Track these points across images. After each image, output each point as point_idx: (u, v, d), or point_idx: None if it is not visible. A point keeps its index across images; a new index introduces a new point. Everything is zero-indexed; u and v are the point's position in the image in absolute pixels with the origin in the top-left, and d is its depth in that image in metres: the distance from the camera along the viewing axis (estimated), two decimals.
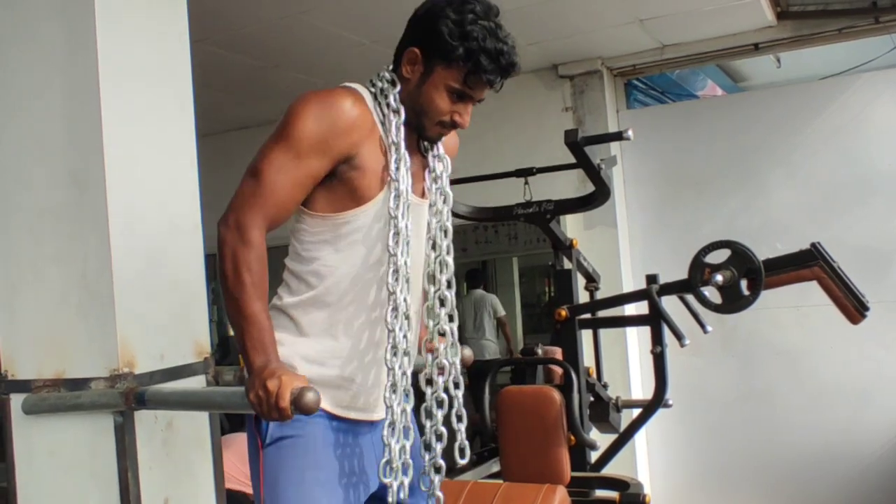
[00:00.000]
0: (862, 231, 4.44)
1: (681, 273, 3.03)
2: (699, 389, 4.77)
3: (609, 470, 3.29)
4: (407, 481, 1.60)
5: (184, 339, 2.03)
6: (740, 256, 2.89)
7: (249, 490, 3.31)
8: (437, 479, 1.69)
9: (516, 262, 9.51)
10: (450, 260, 1.72)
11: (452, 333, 1.71)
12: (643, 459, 4.93)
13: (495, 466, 3.37)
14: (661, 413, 3.22)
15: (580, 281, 3.65)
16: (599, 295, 3.76)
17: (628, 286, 4.78)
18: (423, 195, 1.73)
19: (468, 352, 1.90)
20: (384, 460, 1.59)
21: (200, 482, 2.03)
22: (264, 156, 1.58)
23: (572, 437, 3.02)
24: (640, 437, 4.74)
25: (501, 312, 7.60)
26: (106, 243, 1.84)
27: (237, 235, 1.53)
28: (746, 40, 4.75)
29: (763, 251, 2.95)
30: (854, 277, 2.91)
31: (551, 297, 8.59)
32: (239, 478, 3.16)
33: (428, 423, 1.68)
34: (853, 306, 2.89)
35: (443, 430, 1.68)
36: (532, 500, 2.69)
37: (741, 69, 5.96)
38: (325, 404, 1.60)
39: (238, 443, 3.46)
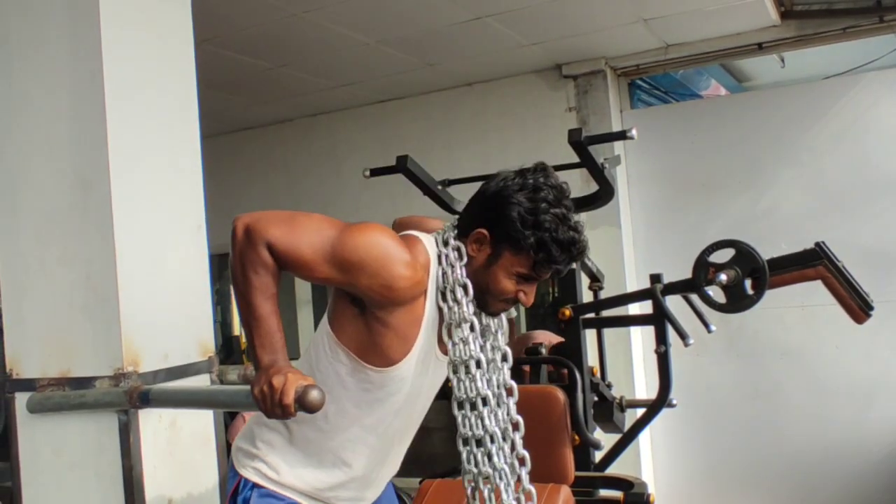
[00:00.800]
0: (867, 231, 4.43)
1: (685, 272, 3.03)
2: (703, 389, 4.76)
3: (613, 469, 3.28)
4: None
5: (188, 338, 2.04)
6: (744, 256, 2.89)
7: None
8: (523, 471, 1.74)
9: None
10: (520, 419, 1.76)
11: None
12: (647, 459, 4.92)
13: None
14: (665, 413, 3.21)
15: (584, 280, 3.65)
16: (603, 294, 3.76)
17: (632, 286, 4.78)
18: (445, 352, 1.69)
19: None
20: None
21: (204, 480, 2.03)
22: (320, 219, 1.55)
23: (576, 437, 3.01)
24: (645, 436, 4.74)
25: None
26: (111, 244, 1.85)
27: (248, 236, 1.52)
28: (750, 40, 4.74)
29: (768, 251, 2.95)
30: (860, 277, 2.91)
31: (555, 297, 8.60)
32: None
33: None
34: (858, 306, 2.89)
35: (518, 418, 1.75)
36: (536, 500, 2.68)
37: (745, 69, 5.95)
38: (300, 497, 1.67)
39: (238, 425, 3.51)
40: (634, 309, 4.09)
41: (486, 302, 1.64)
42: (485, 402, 1.62)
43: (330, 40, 4.30)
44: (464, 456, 1.65)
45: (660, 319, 3.10)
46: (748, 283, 2.90)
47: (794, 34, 4.66)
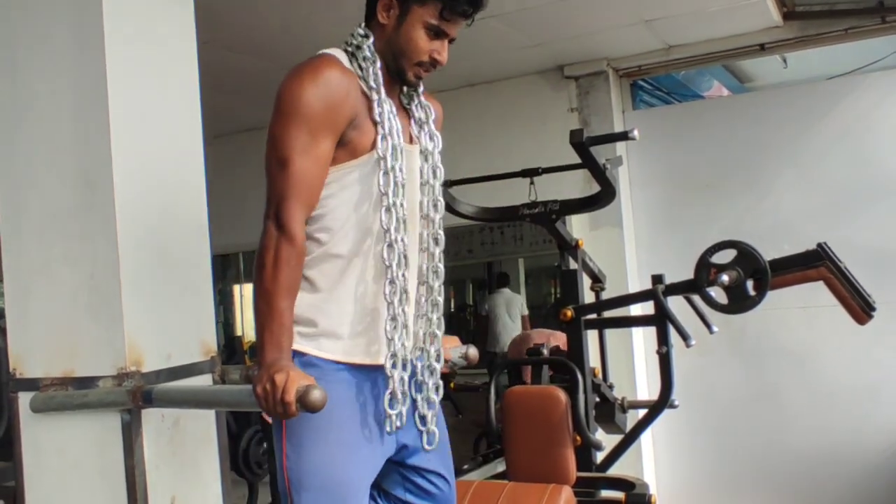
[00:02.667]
0: (869, 232, 4.43)
1: (686, 273, 3.03)
2: (705, 390, 4.76)
3: (615, 470, 3.29)
4: (405, 410, 1.69)
5: (191, 338, 2.04)
6: (746, 257, 2.89)
7: None
8: (430, 413, 1.76)
9: (522, 263, 9.52)
10: (442, 200, 1.80)
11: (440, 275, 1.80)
12: (649, 460, 4.92)
13: (500, 466, 3.36)
14: (666, 413, 3.21)
15: (586, 281, 3.65)
16: (605, 295, 3.77)
17: (634, 286, 4.78)
18: (411, 141, 1.78)
19: (473, 351, 1.92)
20: (388, 391, 1.66)
21: (207, 480, 2.04)
22: (283, 142, 1.61)
23: (578, 438, 3.02)
24: (646, 437, 4.74)
25: (525, 311, 8.06)
26: (114, 244, 1.86)
27: (282, 231, 1.58)
28: (753, 41, 4.75)
29: (770, 252, 2.95)
30: (862, 278, 2.91)
31: (557, 298, 8.61)
32: None
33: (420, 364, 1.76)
34: (859, 307, 2.89)
35: (436, 365, 1.77)
36: (537, 500, 2.69)
37: (747, 70, 5.95)
38: (341, 356, 1.66)
39: None
40: (636, 310, 4.10)
41: (403, 67, 1.71)
42: (386, 173, 1.66)
43: (333, 41, 4.30)
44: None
45: (661, 320, 3.11)
46: (750, 283, 2.90)
47: (797, 35, 4.67)
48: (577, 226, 4.78)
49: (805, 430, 4.60)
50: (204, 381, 2.05)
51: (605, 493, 3.18)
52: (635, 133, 3.17)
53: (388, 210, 1.65)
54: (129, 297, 1.86)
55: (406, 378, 1.70)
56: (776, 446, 4.67)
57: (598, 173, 3.24)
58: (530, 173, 3.70)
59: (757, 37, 4.72)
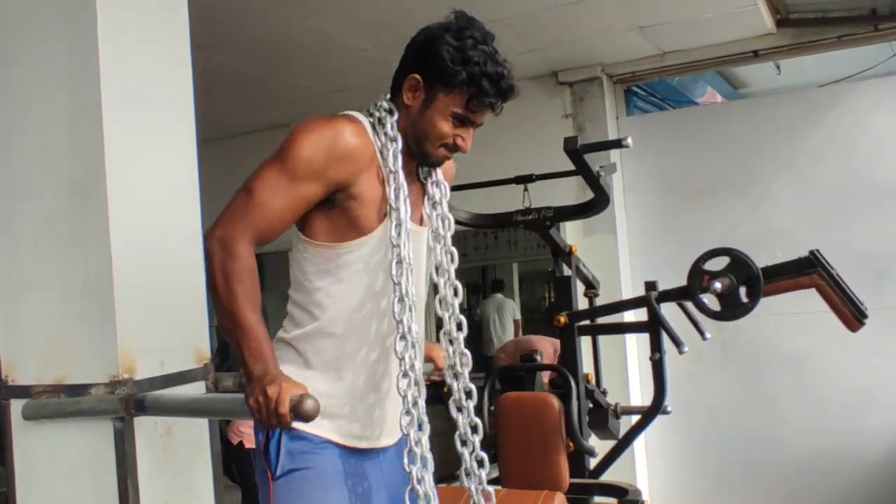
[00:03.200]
0: (862, 238, 4.45)
1: (680, 280, 3.04)
2: (698, 396, 4.77)
3: (608, 476, 3.29)
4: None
5: (184, 345, 2.03)
6: (739, 264, 2.90)
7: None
8: (482, 472, 1.73)
9: (516, 268, 9.52)
10: (459, 285, 1.74)
11: (468, 361, 1.74)
12: (642, 466, 4.93)
13: (494, 472, 3.36)
14: (659, 420, 3.22)
15: (580, 287, 3.66)
16: (599, 301, 3.77)
17: (627, 293, 4.79)
18: (421, 222, 1.75)
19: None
20: (408, 488, 1.60)
21: (200, 488, 2.03)
22: (259, 175, 1.59)
23: (571, 444, 3.02)
24: (639, 443, 4.74)
25: (517, 316, 8.22)
26: (107, 250, 1.85)
27: (224, 248, 1.54)
28: (746, 47, 4.77)
29: (763, 258, 2.96)
30: (854, 285, 2.92)
31: (551, 304, 8.62)
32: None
33: (460, 418, 1.72)
34: (851, 313, 2.90)
35: (477, 420, 1.73)
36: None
37: (741, 76, 5.98)
38: (333, 435, 1.64)
39: None
40: (629, 316, 4.11)
41: (426, 151, 1.69)
42: (400, 262, 1.62)
43: (327, 46, 4.31)
44: None
45: (655, 327, 3.11)
46: (743, 290, 2.91)
47: (790, 42, 4.69)
48: (570, 232, 4.78)
49: (799, 436, 4.61)
50: (197, 388, 2.04)
51: (598, 500, 3.18)
52: (629, 141, 3.18)
53: (400, 300, 1.61)
54: (122, 304, 1.86)
55: (427, 477, 1.63)
56: (769, 452, 4.68)
57: (592, 180, 3.25)
58: (524, 180, 3.71)
59: (750, 43, 4.74)
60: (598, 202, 3.37)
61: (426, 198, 1.76)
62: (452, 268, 1.74)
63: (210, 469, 2.06)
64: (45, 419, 1.89)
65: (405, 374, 1.61)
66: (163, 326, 1.97)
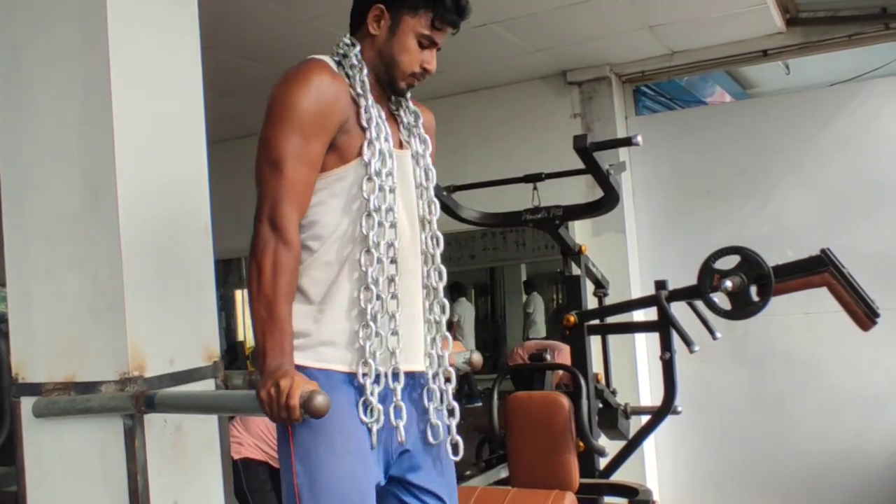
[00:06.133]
0: (872, 238, 4.42)
1: (689, 279, 3.02)
2: (709, 396, 4.75)
3: (618, 476, 3.27)
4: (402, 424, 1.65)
5: (194, 343, 2.04)
6: (750, 262, 2.88)
7: (264, 458, 3.42)
8: (452, 422, 1.76)
9: (524, 269, 9.51)
10: (437, 202, 1.80)
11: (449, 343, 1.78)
12: (652, 466, 4.91)
13: (503, 472, 3.36)
14: (670, 420, 3.20)
15: (589, 287, 3.64)
16: (608, 301, 3.76)
17: (637, 292, 4.77)
18: (401, 146, 1.78)
19: (477, 356, 1.91)
20: (361, 399, 1.62)
21: (209, 486, 2.03)
22: (276, 145, 1.61)
23: (581, 444, 3.01)
24: (649, 443, 4.72)
25: (455, 317, 8.86)
26: (117, 248, 1.85)
27: (279, 235, 1.57)
28: (755, 47, 4.75)
29: (773, 258, 2.94)
30: (865, 284, 2.90)
31: (559, 304, 8.64)
32: (262, 447, 3.29)
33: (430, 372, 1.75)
34: (863, 313, 2.88)
35: (454, 405, 1.76)
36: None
37: (750, 76, 5.95)
38: (343, 365, 1.63)
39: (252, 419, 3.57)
40: (639, 315, 4.09)
41: (395, 76, 1.74)
42: (371, 177, 1.66)
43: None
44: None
45: (665, 326, 3.10)
46: (753, 289, 2.89)
47: (800, 41, 4.67)
48: (579, 231, 4.77)
49: (809, 436, 4.59)
50: (207, 386, 2.04)
51: (609, 500, 3.17)
52: (639, 139, 3.17)
53: (369, 216, 1.64)
54: (132, 302, 1.86)
55: (390, 389, 1.66)
56: (779, 452, 4.65)
57: (602, 179, 3.24)
58: (533, 179, 3.70)
59: (760, 43, 4.72)
60: (608, 200, 3.36)
61: (401, 125, 1.81)
62: (430, 185, 1.80)
63: (220, 467, 2.06)
64: (56, 417, 1.89)
65: (367, 287, 1.63)
66: (173, 324, 1.97)
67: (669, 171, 4.95)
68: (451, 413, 1.76)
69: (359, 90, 1.70)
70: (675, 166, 4.94)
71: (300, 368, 1.58)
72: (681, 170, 4.94)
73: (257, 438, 3.55)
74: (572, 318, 3.34)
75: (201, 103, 2.14)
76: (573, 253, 3.51)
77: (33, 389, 1.93)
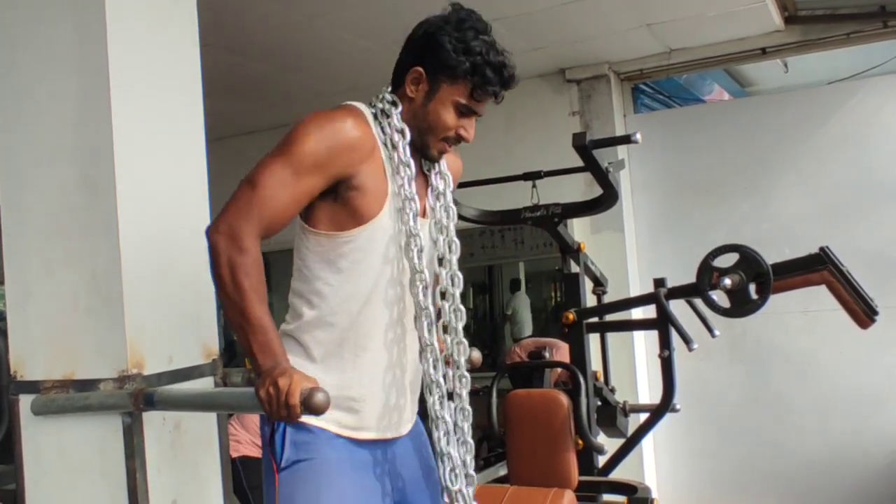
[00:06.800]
0: (871, 236, 4.43)
1: (688, 277, 3.03)
2: (707, 394, 4.75)
3: (617, 474, 3.28)
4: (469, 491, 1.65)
5: (192, 340, 2.04)
6: (749, 260, 2.88)
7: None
8: (468, 458, 1.73)
9: (523, 267, 9.50)
10: (461, 275, 1.74)
11: (466, 349, 1.74)
12: (650, 464, 4.92)
13: (502, 470, 3.36)
14: (668, 417, 3.21)
15: (588, 285, 3.65)
16: (607, 299, 3.76)
17: (635, 290, 4.77)
18: (423, 214, 1.74)
19: (476, 353, 1.91)
20: (449, 468, 1.64)
21: (208, 483, 2.03)
22: (263, 168, 1.58)
23: (580, 441, 3.01)
24: (648, 441, 4.73)
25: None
26: (116, 246, 1.85)
27: (231, 242, 1.52)
28: (754, 45, 4.75)
29: (771, 256, 2.94)
30: (864, 282, 2.90)
31: (558, 302, 8.65)
32: (259, 444, 3.27)
33: (450, 406, 1.72)
34: (862, 311, 2.88)
35: (469, 409, 1.73)
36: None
37: (748, 74, 5.95)
38: (337, 427, 1.63)
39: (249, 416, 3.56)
40: (638, 313, 4.10)
41: (428, 143, 1.70)
42: (421, 250, 1.64)
43: (335, 45, 4.31)
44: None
45: (663, 324, 3.10)
46: (752, 287, 2.89)
47: (798, 39, 4.67)
48: (578, 230, 4.77)
49: (807, 434, 4.59)
50: (205, 383, 2.04)
51: (607, 497, 3.17)
52: (638, 136, 3.17)
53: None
54: (131, 300, 1.86)
55: (469, 459, 1.69)
56: (778, 450, 4.66)
57: (601, 176, 3.24)
58: (532, 176, 3.70)
59: (758, 41, 4.72)
60: (607, 198, 3.36)
61: (430, 189, 1.76)
62: (455, 258, 1.75)
63: (218, 464, 2.06)
64: (54, 414, 1.89)
65: (435, 360, 1.64)
66: (171, 322, 1.97)
67: (668, 169, 4.95)
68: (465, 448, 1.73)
69: (402, 157, 1.65)
70: (673, 164, 4.95)
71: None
72: (679, 168, 4.94)
73: (255, 436, 3.55)
74: (571, 316, 3.34)
75: (200, 101, 2.13)
76: (572, 251, 3.51)
77: (32, 387, 1.93)
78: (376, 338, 1.66)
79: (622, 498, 3.07)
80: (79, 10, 1.91)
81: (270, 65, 4.61)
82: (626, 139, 3.25)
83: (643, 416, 3.32)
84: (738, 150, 4.80)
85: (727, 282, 2.86)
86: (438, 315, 1.72)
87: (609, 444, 3.28)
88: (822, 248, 2.90)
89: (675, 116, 5.32)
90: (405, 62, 1.71)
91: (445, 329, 1.73)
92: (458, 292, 1.73)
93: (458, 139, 1.71)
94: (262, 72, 4.70)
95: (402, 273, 1.68)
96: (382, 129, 1.67)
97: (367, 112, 1.68)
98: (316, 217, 1.64)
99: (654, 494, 3.11)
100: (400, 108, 1.68)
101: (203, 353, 2.05)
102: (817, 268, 2.89)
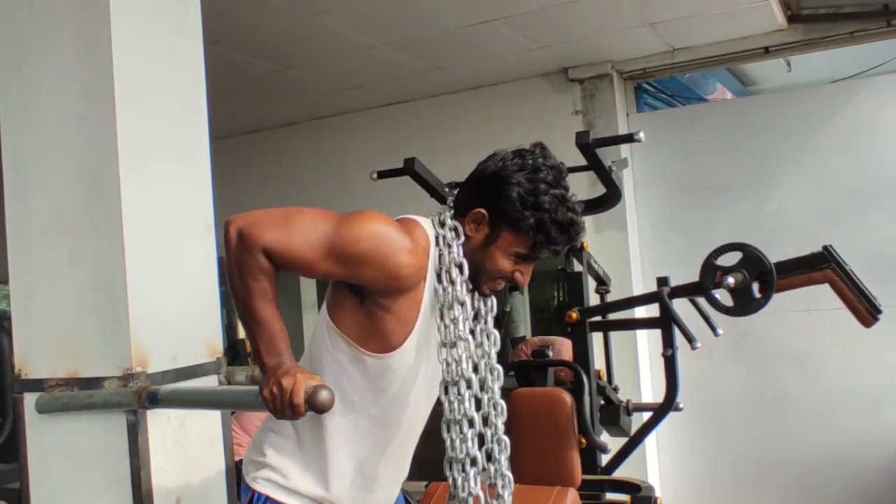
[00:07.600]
0: (875, 234, 4.42)
1: (691, 276, 3.02)
2: (710, 393, 4.75)
3: (620, 473, 3.28)
4: None
5: (196, 339, 2.03)
6: (752, 259, 2.88)
7: None
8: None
9: None
10: (503, 403, 1.69)
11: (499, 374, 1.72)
12: (654, 463, 4.91)
13: None
14: (671, 416, 3.21)
15: (591, 284, 3.64)
16: (610, 297, 3.76)
17: (638, 289, 4.77)
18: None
19: None
20: None
21: (212, 481, 2.03)
22: (314, 212, 1.53)
23: (583, 440, 3.01)
24: (651, 440, 4.73)
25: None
26: (120, 244, 1.85)
27: (242, 243, 1.48)
28: (757, 44, 4.74)
29: (774, 254, 2.94)
30: (867, 281, 2.89)
31: (561, 301, 8.64)
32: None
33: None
34: (865, 309, 2.88)
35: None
36: (543, 503, 2.68)
37: (751, 73, 5.94)
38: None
39: (247, 416, 3.54)
40: (641, 312, 4.09)
41: (480, 282, 1.64)
42: (469, 384, 1.60)
43: (338, 43, 4.31)
44: (448, 443, 1.62)
45: (667, 322, 3.10)
46: (755, 286, 2.89)
47: (801, 38, 4.66)
48: None
49: (810, 433, 4.59)
50: (209, 382, 2.04)
51: (611, 496, 3.17)
52: (641, 135, 3.16)
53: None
54: (135, 298, 1.86)
55: None
56: (781, 449, 4.66)
57: (604, 175, 3.24)
58: None
59: (761, 40, 4.71)
60: (610, 197, 3.36)
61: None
62: (497, 385, 1.69)
63: (223, 463, 2.06)
64: (59, 412, 1.89)
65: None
66: (175, 320, 1.97)
67: (671, 167, 4.95)
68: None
69: (459, 296, 1.58)
70: (676, 163, 4.94)
71: (270, 500, 1.62)
72: (682, 167, 4.94)
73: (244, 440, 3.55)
74: (574, 315, 3.34)
75: (204, 99, 2.13)
76: (575, 249, 3.51)
77: (36, 385, 1.93)
78: (369, 450, 1.67)
79: (625, 497, 3.07)
80: (83, 7, 1.91)
81: (274, 62, 4.61)
82: (630, 138, 3.24)
83: (646, 415, 3.32)
84: (741, 150, 4.80)
85: (730, 280, 2.86)
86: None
87: (612, 442, 3.27)
88: (825, 247, 2.89)
89: (678, 115, 5.32)
90: (470, 196, 1.65)
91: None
92: (500, 422, 1.68)
93: (512, 282, 1.64)
94: (267, 69, 4.70)
95: (416, 401, 1.68)
96: (442, 261, 1.60)
97: (431, 235, 1.62)
98: (341, 313, 1.60)
99: (658, 493, 3.10)
100: (461, 240, 1.61)
101: (207, 352, 2.05)
102: (820, 266, 2.88)
